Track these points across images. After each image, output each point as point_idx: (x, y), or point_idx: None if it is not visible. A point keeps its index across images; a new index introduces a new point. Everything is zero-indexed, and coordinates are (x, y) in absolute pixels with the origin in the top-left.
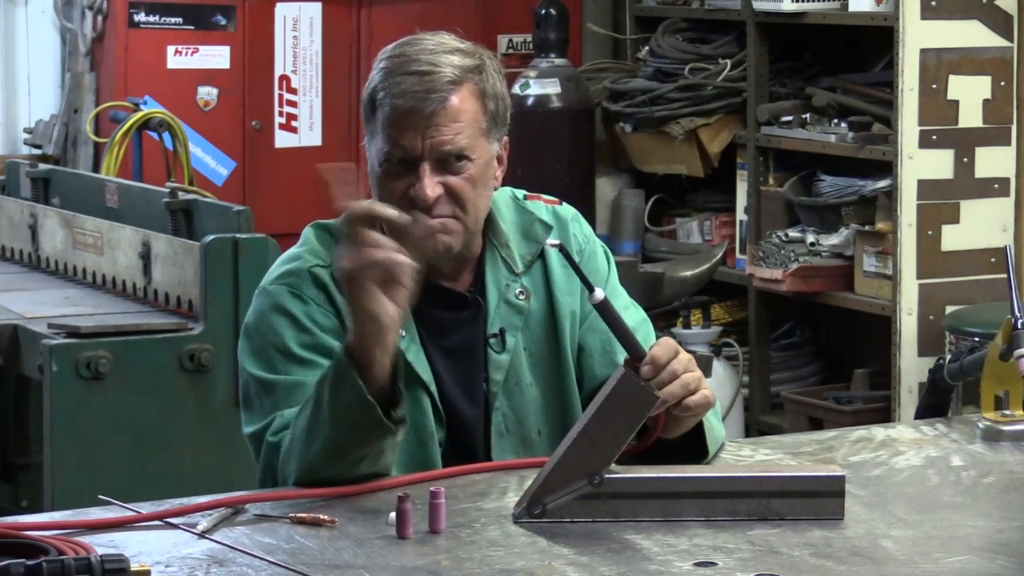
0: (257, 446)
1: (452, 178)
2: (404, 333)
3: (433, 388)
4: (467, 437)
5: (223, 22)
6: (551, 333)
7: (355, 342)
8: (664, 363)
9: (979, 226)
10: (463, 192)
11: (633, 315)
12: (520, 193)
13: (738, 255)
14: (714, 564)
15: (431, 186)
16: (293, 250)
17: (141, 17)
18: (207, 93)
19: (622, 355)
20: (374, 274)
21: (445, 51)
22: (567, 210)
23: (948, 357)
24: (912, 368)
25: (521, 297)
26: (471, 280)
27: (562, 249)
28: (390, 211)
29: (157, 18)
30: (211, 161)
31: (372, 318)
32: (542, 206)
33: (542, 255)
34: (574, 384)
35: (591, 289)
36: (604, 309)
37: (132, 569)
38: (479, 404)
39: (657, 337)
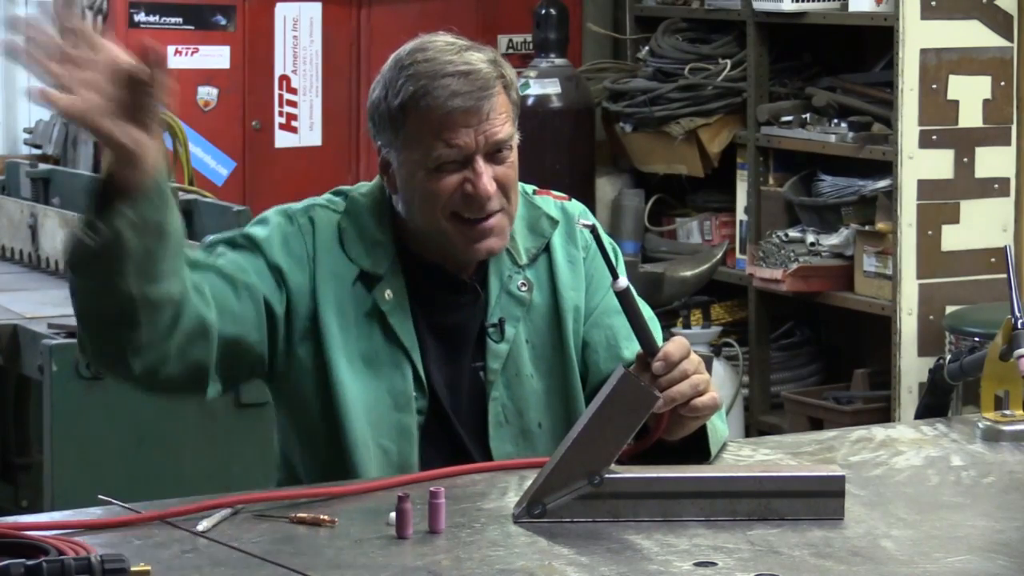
0: None
1: (498, 168)
2: (390, 298)
3: (416, 356)
4: (446, 414)
5: (223, 22)
6: (554, 327)
7: (112, 169)
8: (676, 361)
9: (979, 226)
10: (508, 180)
11: None
12: (530, 188)
13: (738, 255)
14: (714, 564)
15: (489, 180)
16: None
17: (141, 17)
18: (207, 93)
19: (627, 351)
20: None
21: (464, 49)
22: (575, 206)
23: (948, 357)
24: (912, 368)
25: (523, 289)
26: (474, 269)
27: (593, 231)
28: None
29: (157, 18)
30: (211, 161)
31: (110, 144)
32: (551, 201)
33: (547, 249)
34: (577, 378)
35: (615, 276)
36: (625, 298)
37: (132, 569)
38: (462, 385)
39: (665, 337)
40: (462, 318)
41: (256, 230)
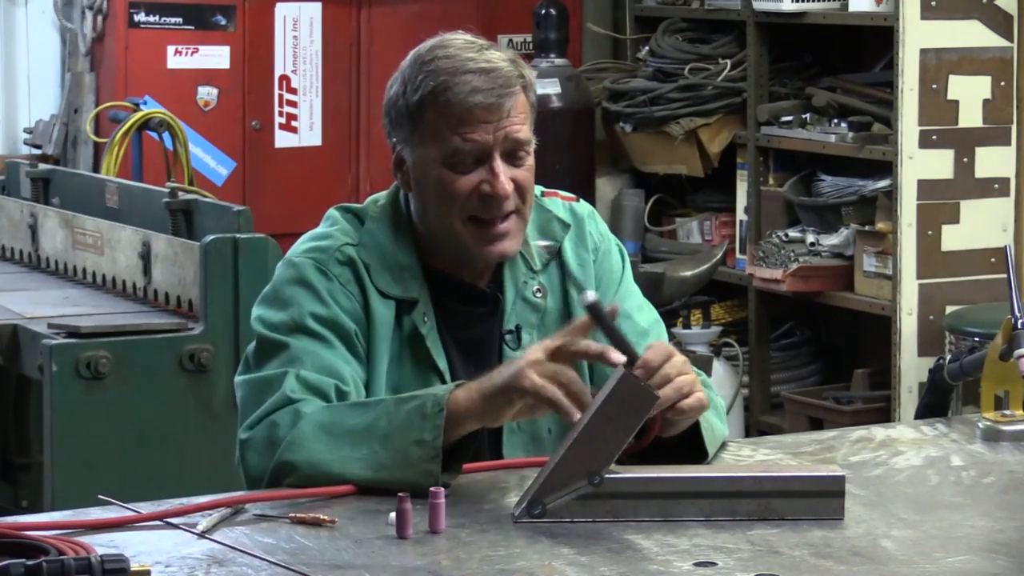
0: (252, 392)
1: (517, 171)
2: (427, 320)
3: (448, 377)
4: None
5: (223, 22)
6: None
7: (461, 403)
8: (656, 367)
9: (979, 226)
10: (525, 184)
11: (647, 315)
12: (537, 190)
13: (738, 255)
14: (714, 564)
15: (506, 180)
16: (321, 229)
17: (141, 17)
18: (207, 93)
19: None
20: (531, 402)
21: (484, 48)
22: (584, 207)
23: (948, 357)
24: (912, 368)
25: (538, 295)
26: (491, 277)
27: (591, 307)
28: (617, 357)
29: (157, 18)
30: (211, 161)
31: (497, 415)
32: (559, 203)
33: (559, 253)
34: (587, 383)
35: (581, 290)
36: (594, 311)
37: (132, 569)
38: None
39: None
40: (483, 331)
41: (315, 307)
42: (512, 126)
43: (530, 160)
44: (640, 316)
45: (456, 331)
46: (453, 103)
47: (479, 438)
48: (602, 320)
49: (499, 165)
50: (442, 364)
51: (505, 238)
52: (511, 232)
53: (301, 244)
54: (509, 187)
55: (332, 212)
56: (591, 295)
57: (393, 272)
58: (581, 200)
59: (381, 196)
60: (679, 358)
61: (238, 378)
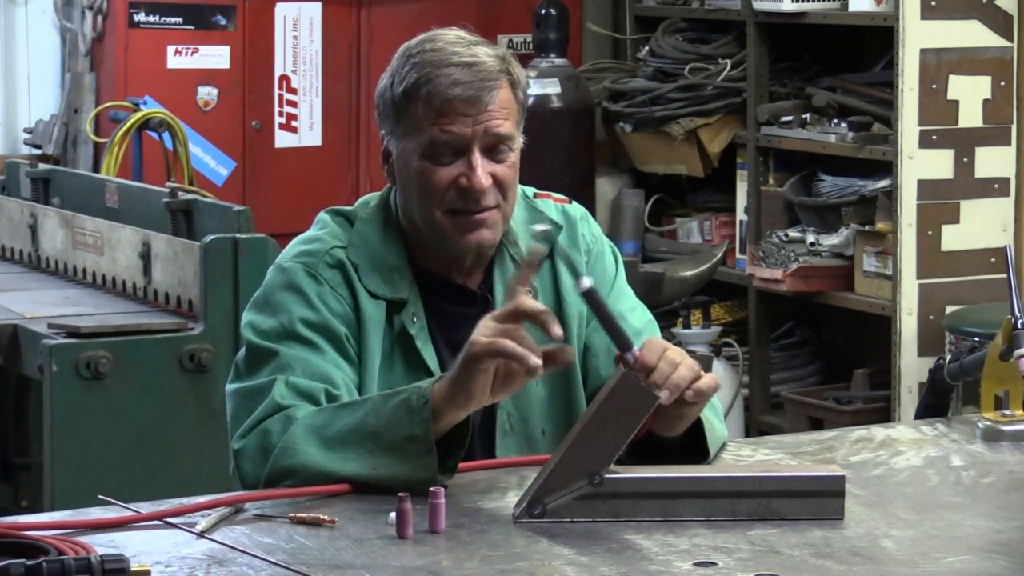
0: (243, 401)
1: (497, 166)
2: (416, 320)
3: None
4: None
5: (223, 22)
6: None
7: (436, 394)
8: (654, 364)
9: (979, 226)
10: (506, 180)
11: (640, 316)
12: (530, 191)
13: (738, 255)
14: (714, 564)
15: (484, 174)
16: (311, 232)
17: (141, 17)
18: (207, 93)
19: (627, 355)
20: (498, 362)
21: (473, 43)
22: (576, 209)
23: (948, 357)
24: (912, 368)
25: (529, 296)
26: (482, 278)
27: (587, 295)
28: (556, 330)
29: (157, 18)
30: (211, 161)
31: (468, 392)
32: (552, 205)
33: (551, 255)
34: (580, 384)
35: (577, 276)
36: (591, 298)
37: (132, 569)
38: None
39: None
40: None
41: (305, 312)
42: (492, 120)
43: (513, 156)
44: (634, 317)
45: (447, 332)
46: (433, 94)
47: (472, 439)
48: (599, 308)
49: (477, 158)
50: (432, 364)
51: (483, 227)
52: (488, 222)
53: (291, 248)
54: (487, 181)
55: (322, 216)
56: (587, 281)
57: (382, 273)
58: (574, 202)
59: (372, 198)
60: (674, 349)
61: (229, 387)
